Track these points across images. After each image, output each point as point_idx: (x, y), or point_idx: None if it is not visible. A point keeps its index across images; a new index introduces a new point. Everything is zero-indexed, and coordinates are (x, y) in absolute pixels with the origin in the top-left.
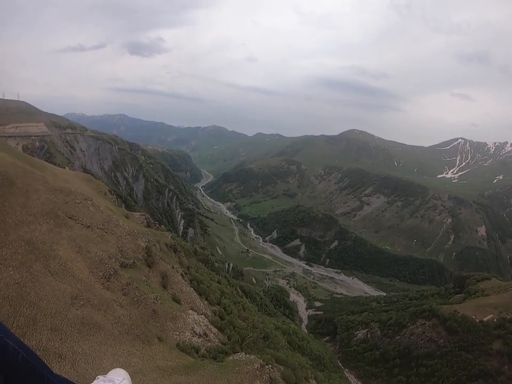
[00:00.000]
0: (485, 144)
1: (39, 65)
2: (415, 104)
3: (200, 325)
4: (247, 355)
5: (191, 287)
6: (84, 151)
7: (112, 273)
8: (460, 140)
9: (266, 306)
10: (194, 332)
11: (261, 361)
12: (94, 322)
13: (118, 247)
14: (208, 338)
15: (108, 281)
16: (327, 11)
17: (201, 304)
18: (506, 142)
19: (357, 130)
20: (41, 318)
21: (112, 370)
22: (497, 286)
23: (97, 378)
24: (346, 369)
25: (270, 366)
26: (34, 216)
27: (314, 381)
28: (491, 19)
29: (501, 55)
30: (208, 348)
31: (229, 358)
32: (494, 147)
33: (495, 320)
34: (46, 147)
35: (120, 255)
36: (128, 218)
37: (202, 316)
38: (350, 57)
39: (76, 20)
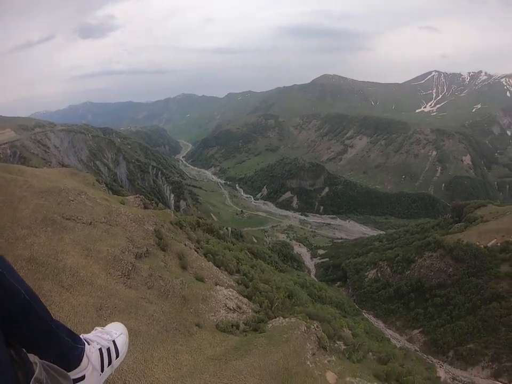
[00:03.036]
0: (460, 75)
1: None
2: (384, 41)
3: (231, 299)
4: (287, 319)
5: (208, 261)
6: (58, 147)
7: (130, 268)
8: (433, 73)
9: (276, 263)
10: (228, 307)
11: (305, 323)
12: (129, 328)
13: (128, 238)
14: (242, 311)
15: (129, 278)
16: None
17: (224, 277)
18: (481, 71)
19: (329, 74)
20: None
21: (112, 323)
22: (495, 212)
23: (95, 329)
24: (364, 311)
25: (315, 325)
26: (28, 228)
27: (347, 329)
28: None
29: None
30: (245, 321)
31: (269, 325)
32: (468, 77)
33: (499, 244)
34: (19, 152)
35: (132, 246)
36: (124, 204)
37: (229, 289)
38: (312, 1)
39: (16, 18)
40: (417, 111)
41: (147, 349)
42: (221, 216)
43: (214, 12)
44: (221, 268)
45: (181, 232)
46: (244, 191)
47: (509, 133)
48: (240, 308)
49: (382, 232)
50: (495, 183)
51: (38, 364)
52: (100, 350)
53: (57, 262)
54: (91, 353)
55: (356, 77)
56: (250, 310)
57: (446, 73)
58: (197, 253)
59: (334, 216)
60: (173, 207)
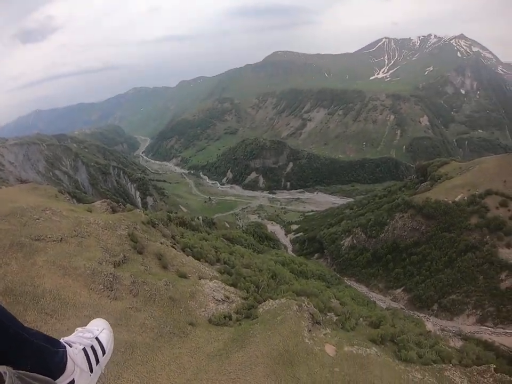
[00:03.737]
0: (410, 39)
1: None
2: (333, 13)
3: (217, 290)
4: (277, 301)
5: (187, 255)
6: (13, 163)
7: (111, 279)
8: (384, 40)
9: (253, 245)
10: (216, 299)
11: (296, 302)
12: (123, 341)
13: (102, 247)
14: (231, 300)
15: (112, 290)
16: None
17: (206, 269)
18: (430, 35)
19: (280, 51)
20: None
21: (92, 320)
22: (458, 168)
23: (76, 330)
24: (345, 278)
25: (306, 302)
26: None
27: (335, 299)
28: None
29: None
30: (236, 309)
31: (260, 310)
32: (419, 41)
33: (465, 198)
34: None
35: (109, 256)
36: (92, 211)
37: (214, 281)
38: None
39: None
40: (371, 78)
41: (147, 360)
42: (190, 206)
43: (159, 0)
44: (201, 260)
45: (155, 230)
46: (208, 178)
47: (462, 91)
48: (228, 298)
49: (350, 200)
50: (454, 140)
51: (7, 373)
52: (84, 349)
53: (35, 289)
54: (75, 355)
55: (308, 52)
56: (238, 298)
57: (396, 39)
58: (175, 249)
59: (302, 190)
60: (140, 205)
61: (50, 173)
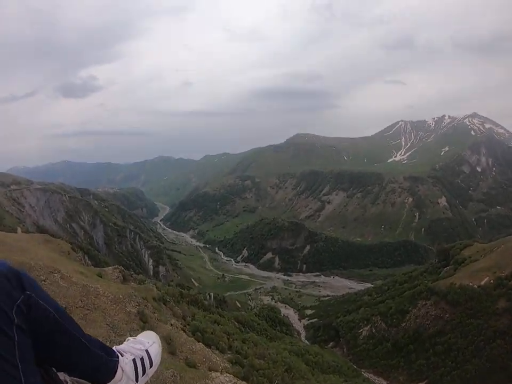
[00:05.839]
0: (425, 121)
1: None
2: (352, 98)
3: None
4: None
5: (198, 341)
6: (33, 207)
7: None
8: (400, 123)
9: (266, 330)
10: None
11: None
12: None
13: (108, 324)
14: None
15: None
16: (254, 25)
17: (217, 358)
18: (444, 115)
19: (302, 134)
20: None
21: (143, 332)
22: (481, 250)
23: (127, 339)
24: (363, 370)
25: None
26: None
27: None
28: (411, 4)
29: (424, 37)
30: None
31: None
32: (433, 122)
33: (492, 281)
34: None
35: (114, 334)
36: (102, 276)
37: (225, 374)
38: (283, 65)
39: (3, 70)
40: (388, 161)
41: None
42: (202, 281)
43: (193, 75)
44: (212, 347)
45: (166, 308)
46: (224, 254)
47: (479, 169)
48: None
49: (369, 285)
50: (473, 219)
51: (68, 382)
52: (134, 360)
53: None
54: (125, 364)
55: (327, 134)
56: None
57: (412, 121)
58: (185, 332)
59: (318, 273)
60: (152, 273)
61: (68, 225)
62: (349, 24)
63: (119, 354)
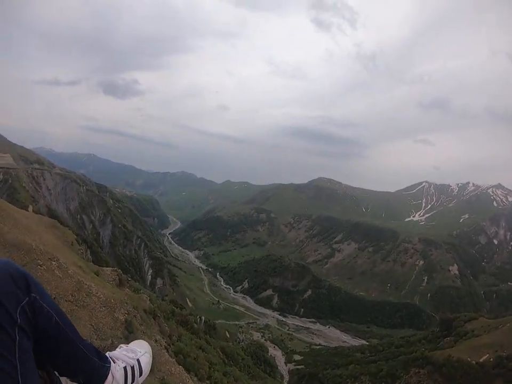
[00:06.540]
0: (448, 186)
1: (12, 93)
2: (381, 151)
3: None
4: None
5: (179, 365)
6: (50, 189)
7: None
8: (424, 184)
9: (249, 367)
10: None
11: None
12: None
13: (92, 325)
14: None
15: None
16: (297, 63)
17: None
18: (468, 182)
19: (325, 178)
20: None
21: (136, 341)
22: (486, 325)
23: (120, 346)
24: None
25: None
26: None
27: None
28: (451, 68)
29: (460, 101)
30: None
31: None
32: (457, 188)
33: (491, 359)
34: (10, 181)
35: (96, 337)
36: (98, 275)
37: None
38: (318, 107)
39: (54, 51)
40: (406, 219)
41: None
42: (197, 302)
43: (230, 101)
44: (191, 373)
45: (154, 323)
46: (224, 281)
47: (495, 241)
48: None
49: (364, 342)
50: (482, 292)
51: None
52: (125, 368)
53: None
54: (116, 371)
55: (350, 182)
56: None
57: (436, 184)
58: (167, 352)
59: (314, 320)
60: (148, 283)
61: (78, 216)
62: (389, 79)
63: (111, 361)
